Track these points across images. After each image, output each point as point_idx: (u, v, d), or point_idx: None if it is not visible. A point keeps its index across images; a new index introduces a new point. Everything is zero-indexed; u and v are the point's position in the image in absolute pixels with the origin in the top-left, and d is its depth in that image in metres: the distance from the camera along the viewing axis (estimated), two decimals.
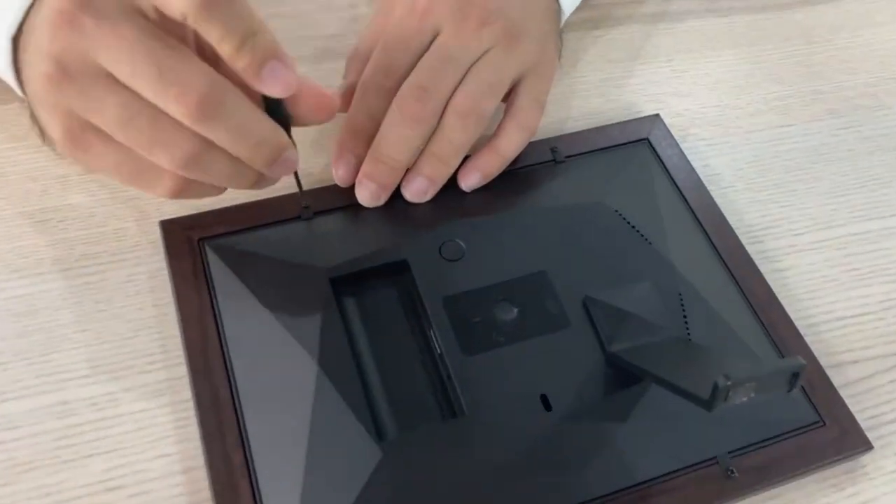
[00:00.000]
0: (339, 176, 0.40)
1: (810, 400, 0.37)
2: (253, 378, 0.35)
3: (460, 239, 0.39)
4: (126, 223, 0.41)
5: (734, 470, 0.35)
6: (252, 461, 0.33)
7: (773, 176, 0.48)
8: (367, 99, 0.39)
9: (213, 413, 0.34)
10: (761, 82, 0.52)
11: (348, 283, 0.38)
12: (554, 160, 0.44)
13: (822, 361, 0.39)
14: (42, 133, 0.38)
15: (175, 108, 0.29)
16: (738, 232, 0.43)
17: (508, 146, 0.41)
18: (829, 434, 0.37)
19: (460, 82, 0.39)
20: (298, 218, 0.40)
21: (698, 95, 0.51)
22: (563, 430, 0.35)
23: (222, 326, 0.36)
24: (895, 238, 0.46)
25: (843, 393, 0.38)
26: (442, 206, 0.41)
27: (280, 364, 0.35)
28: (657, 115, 0.47)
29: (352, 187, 0.40)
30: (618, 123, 0.46)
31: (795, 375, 0.28)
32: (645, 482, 0.34)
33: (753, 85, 0.52)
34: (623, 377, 0.36)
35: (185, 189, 0.33)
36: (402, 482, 0.33)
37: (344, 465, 0.33)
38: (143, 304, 0.38)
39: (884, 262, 0.45)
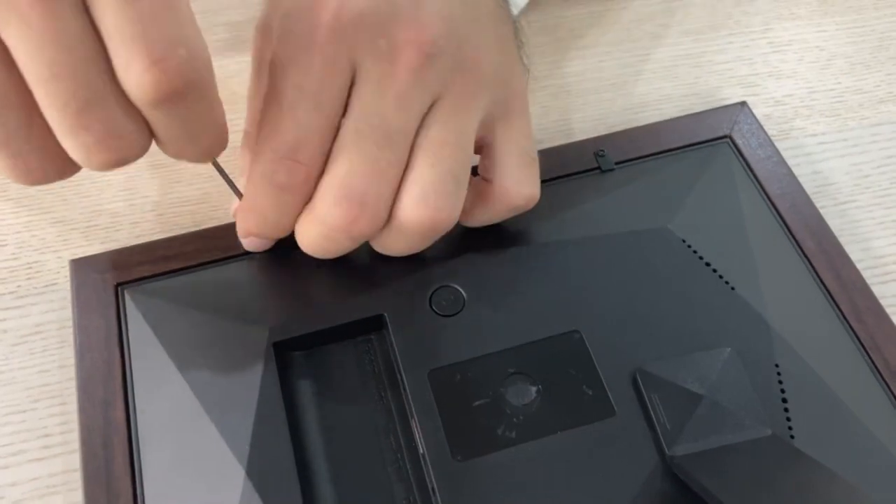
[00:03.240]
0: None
1: None
2: (166, 475, 0.25)
3: (458, 285, 0.28)
4: (44, 255, 0.32)
5: None
6: None
7: None
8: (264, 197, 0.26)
9: None
10: (895, 57, 0.39)
11: (299, 347, 0.27)
12: (599, 168, 0.32)
13: None
14: None
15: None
16: (862, 266, 0.31)
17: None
18: None
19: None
20: (244, 255, 0.30)
21: (805, 76, 0.38)
22: None
23: (132, 398, 0.27)
24: None
25: None
26: (436, 242, 0.30)
27: (201, 460, 0.26)
28: (743, 104, 0.34)
29: None
30: (689, 116, 0.34)
31: None
32: None
33: (883, 62, 0.39)
34: (690, 495, 0.25)
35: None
36: None
37: None
38: (48, 365, 0.29)
39: None
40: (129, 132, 0.21)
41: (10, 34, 0.20)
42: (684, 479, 0.24)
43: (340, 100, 0.25)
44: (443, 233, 0.27)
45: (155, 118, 0.21)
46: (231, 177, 0.27)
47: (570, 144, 0.33)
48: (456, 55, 0.25)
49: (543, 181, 0.29)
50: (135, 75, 0.20)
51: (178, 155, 0.23)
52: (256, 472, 0.25)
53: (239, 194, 0.27)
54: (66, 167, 0.22)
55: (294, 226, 0.26)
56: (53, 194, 0.34)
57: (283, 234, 0.27)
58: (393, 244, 0.27)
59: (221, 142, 0.23)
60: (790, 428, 0.26)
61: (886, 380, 0.27)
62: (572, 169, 0.32)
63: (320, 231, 0.26)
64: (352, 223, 0.25)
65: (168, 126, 0.22)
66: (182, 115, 0.21)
